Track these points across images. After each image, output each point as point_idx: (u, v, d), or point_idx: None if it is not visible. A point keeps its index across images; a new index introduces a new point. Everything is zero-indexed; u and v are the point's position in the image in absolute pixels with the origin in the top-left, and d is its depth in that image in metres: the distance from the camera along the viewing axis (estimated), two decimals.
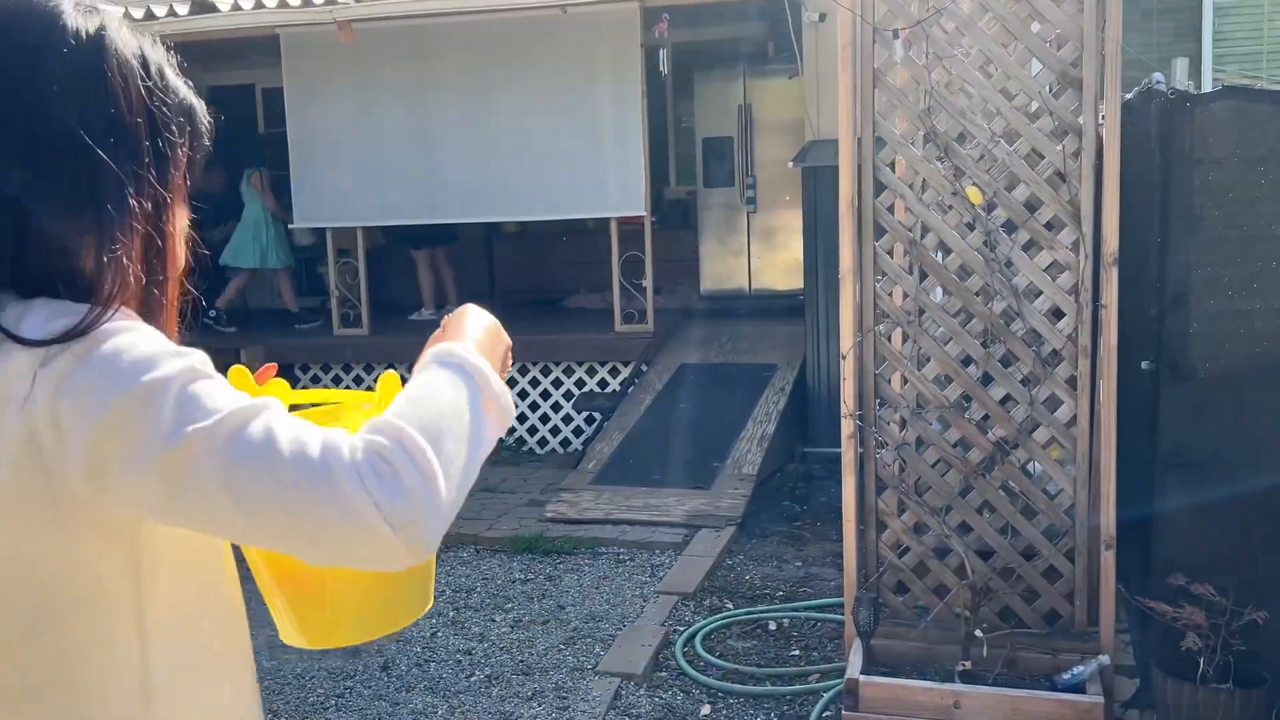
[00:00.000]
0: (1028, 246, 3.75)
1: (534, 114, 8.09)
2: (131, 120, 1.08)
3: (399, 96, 8.23)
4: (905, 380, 3.91)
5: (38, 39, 1.05)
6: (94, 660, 1.04)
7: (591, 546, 5.57)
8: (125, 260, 1.06)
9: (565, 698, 4.01)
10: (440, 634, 4.62)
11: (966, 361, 3.83)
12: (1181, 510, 3.65)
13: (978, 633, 3.66)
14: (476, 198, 8.31)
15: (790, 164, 7.66)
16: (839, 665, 4.03)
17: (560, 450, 8.03)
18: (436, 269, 9.28)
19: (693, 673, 4.18)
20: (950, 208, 3.79)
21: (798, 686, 4.07)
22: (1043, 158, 3.68)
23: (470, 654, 4.41)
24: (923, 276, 3.85)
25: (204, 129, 1.16)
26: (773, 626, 4.63)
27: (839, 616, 4.27)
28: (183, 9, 7.77)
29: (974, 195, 3.71)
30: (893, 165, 3.90)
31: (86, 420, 0.96)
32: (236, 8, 7.71)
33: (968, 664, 3.66)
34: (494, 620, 4.75)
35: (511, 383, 8.17)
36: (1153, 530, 3.71)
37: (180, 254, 1.16)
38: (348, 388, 8.38)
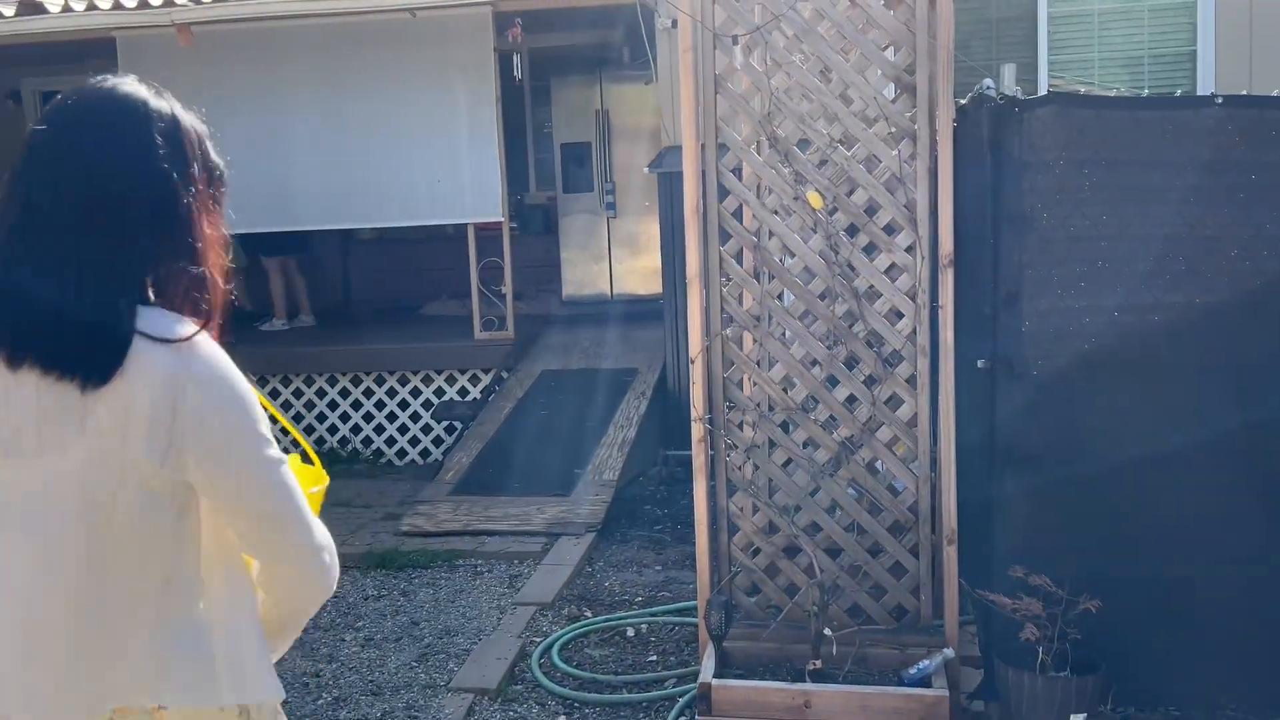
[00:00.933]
0: (868, 249, 3.81)
1: (387, 118, 7.94)
2: (201, 173, 1.54)
3: (245, 101, 7.98)
4: (754, 383, 3.93)
5: (140, 117, 1.50)
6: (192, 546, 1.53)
7: (449, 559, 5.47)
8: (217, 277, 1.54)
9: (416, 717, 3.91)
10: (287, 656, 4.45)
11: (812, 363, 3.87)
12: (1019, 504, 3.75)
13: (827, 631, 3.70)
14: (329, 204, 8.12)
15: (646, 169, 7.67)
16: (695, 669, 4.02)
17: (420, 461, 7.89)
18: (288, 277, 9.04)
19: (548, 684, 4.13)
20: (793, 212, 3.83)
21: (654, 693, 4.06)
22: (880, 162, 3.74)
23: (318, 676, 4.27)
24: (769, 280, 3.88)
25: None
26: (631, 633, 4.62)
27: (695, 620, 4.27)
28: (9, 10, 7.39)
29: (815, 200, 3.75)
30: (738, 171, 3.92)
31: (209, 406, 1.44)
32: (67, 9, 7.38)
33: (818, 663, 3.70)
34: (344, 640, 4.62)
35: (369, 393, 8.00)
36: (993, 524, 3.81)
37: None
38: None
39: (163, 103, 1.55)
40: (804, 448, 3.91)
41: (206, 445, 1.45)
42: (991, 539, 3.81)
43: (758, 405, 3.91)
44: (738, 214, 3.93)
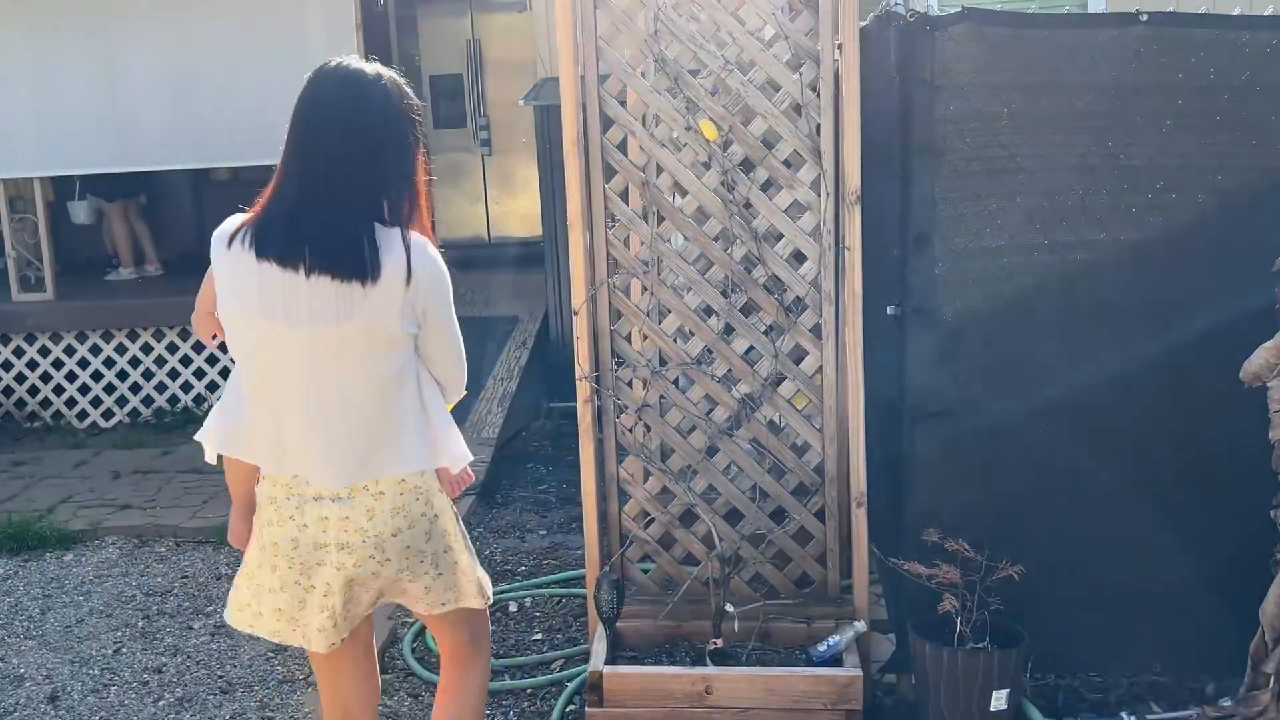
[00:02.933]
0: (766, 186, 3.44)
1: (236, 48, 7.24)
2: (416, 125, 2.25)
3: (79, 27, 7.20)
4: (645, 336, 3.54)
5: (377, 82, 2.20)
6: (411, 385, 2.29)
7: None
8: (424, 200, 2.26)
9: (270, 717, 3.47)
10: (125, 649, 3.97)
11: (708, 313, 3.50)
12: (934, 461, 3.46)
13: (728, 607, 3.37)
14: (174, 142, 7.39)
15: (521, 103, 7.17)
16: (585, 649, 3.66)
17: None
18: (131, 222, 8.31)
19: (422, 671, 3.72)
20: (685, 145, 3.43)
21: (540, 678, 3.69)
22: (780, 88, 3.36)
23: (160, 672, 3.79)
24: (659, 222, 3.48)
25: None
26: (514, 608, 4.24)
27: (584, 592, 3.90)
28: None
29: (708, 130, 3.35)
30: (624, 99, 3.49)
31: (434, 291, 2.21)
32: None
33: (719, 642, 3.37)
34: (192, 628, 4.13)
35: (224, 345, 7.37)
36: (906, 484, 3.51)
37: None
38: (32, 361, 7.37)
39: (387, 71, 2.25)
40: (700, 406, 3.55)
41: (430, 314, 2.22)
42: (905, 500, 3.51)
43: (649, 360, 3.53)
44: (623, 147, 3.52)
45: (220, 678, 3.74)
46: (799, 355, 3.51)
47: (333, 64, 2.20)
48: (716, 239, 3.44)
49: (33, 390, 7.43)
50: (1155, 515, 3.38)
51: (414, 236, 2.17)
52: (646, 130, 3.44)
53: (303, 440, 2.22)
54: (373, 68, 2.21)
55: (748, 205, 3.42)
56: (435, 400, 2.32)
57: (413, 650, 3.88)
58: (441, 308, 2.23)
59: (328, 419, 2.20)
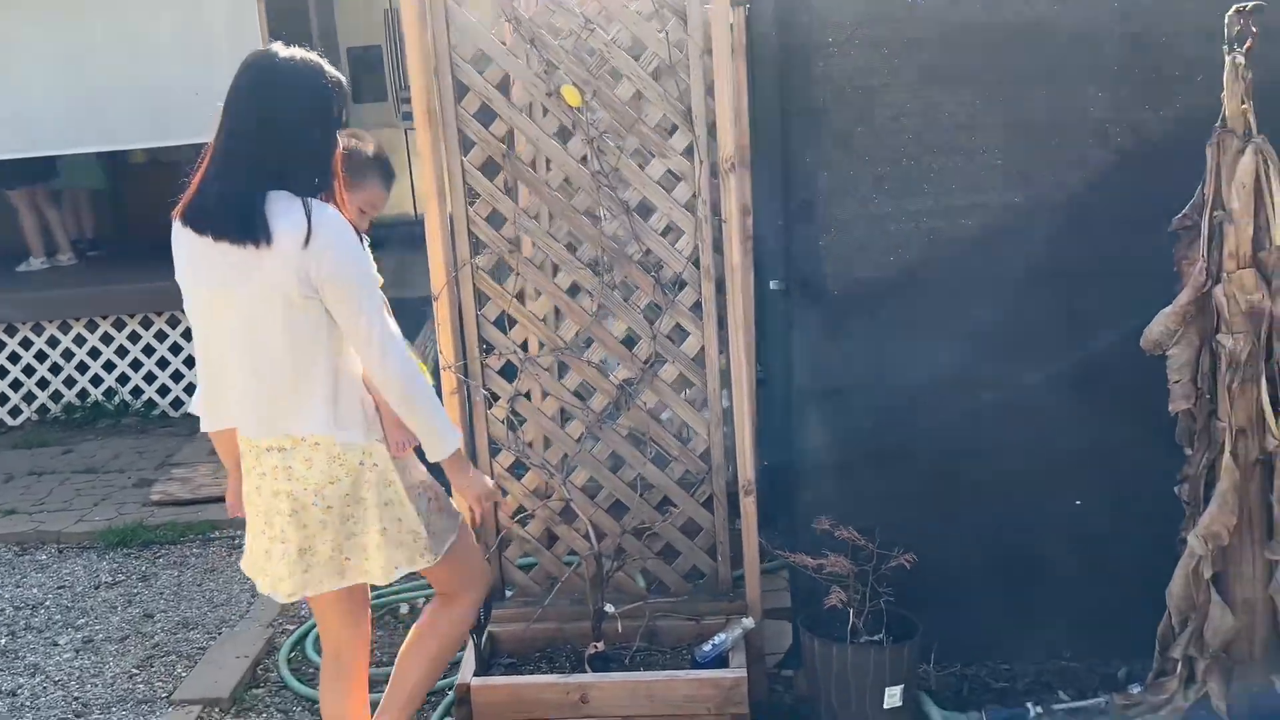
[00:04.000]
0: (636, 155, 3.19)
1: (135, 23, 6.90)
2: (327, 101, 2.42)
3: None
4: (513, 321, 3.30)
5: (285, 63, 2.40)
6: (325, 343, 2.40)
7: (203, 531, 4.75)
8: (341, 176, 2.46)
9: None
10: None
11: (579, 294, 3.26)
12: (824, 445, 3.25)
13: (608, 607, 3.16)
14: (72, 125, 7.04)
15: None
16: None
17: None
18: (39, 211, 7.97)
19: (296, 685, 3.49)
20: (547, 111, 3.18)
21: None
22: (646, 47, 3.11)
23: (15, 695, 3.55)
24: (524, 195, 3.24)
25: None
26: (405, 610, 4.01)
27: None
28: None
29: (571, 96, 3.10)
30: (480, 64, 3.23)
31: (331, 252, 2.32)
32: None
33: (600, 645, 3.15)
34: (57, 644, 3.89)
35: (135, 337, 7.09)
36: (796, 470, 3.30)
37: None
38: None
39: (302, 54, 2.44)
40: (574, 395, 3.32)
41: (328, 281, 2.33)
42: (795, 487, 3.30)
43: (521, 346, 3.29)
44: (483, 117, 3.26)
45: (76, 699, 3.49)
46: (681, 337, 3.28)
47: (260, 49, 2.44)
48: (585, 214, 3.19)
49: None
50: (1060, 496, 3.18)
51: (317, 204, 2.31)
52: (504, 97, 3.18)
53: (232, 395, 2.46)
54: (288, 50, 2.41)
55: (617, 175, 3.17)
56: (349, 372, 2.44)
57: (289, 661, 3.64)
58: (341, 278, 2.33)
59: (245, 375, 2.41)
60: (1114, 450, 3.12)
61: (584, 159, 3.15)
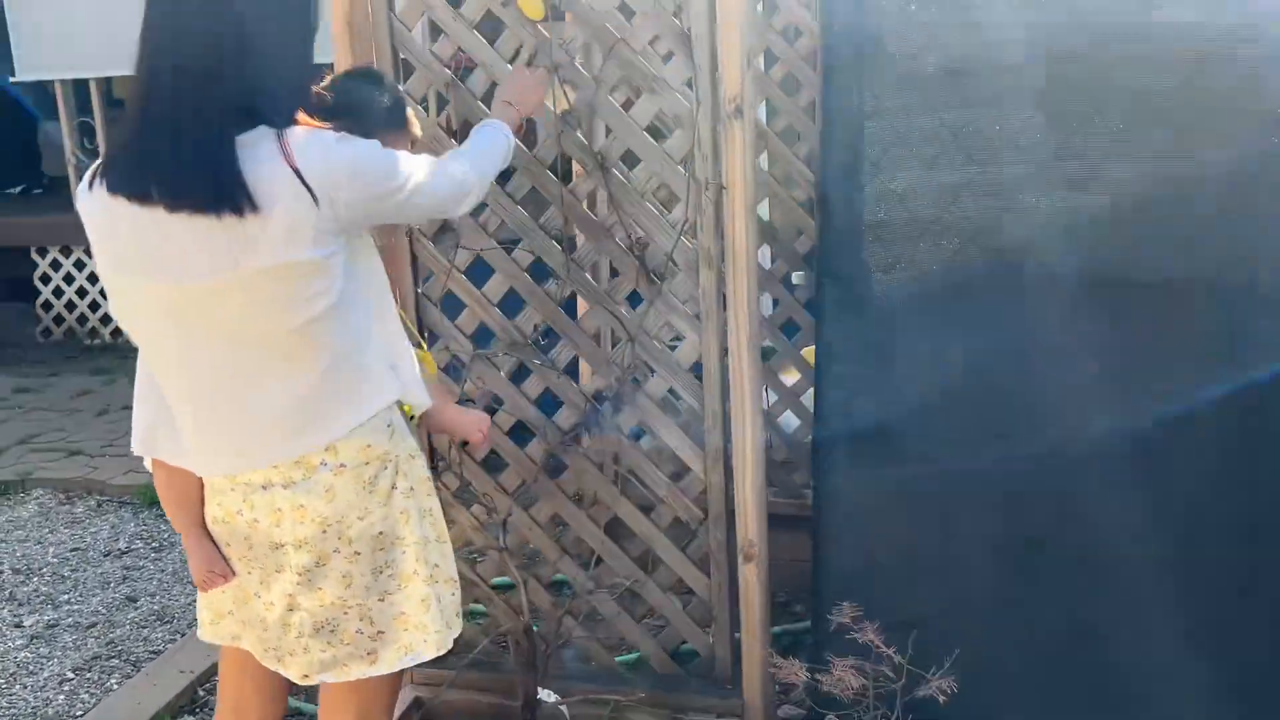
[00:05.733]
0: (619, 89, 2.35)
1: None
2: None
3: None
4: (463, 304, 2.54)
5: None
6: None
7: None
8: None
9: None
10: None
11: (545, 276, 2.46)
12: (857, 503, 2.35)
13: (544, 694, 2.40)
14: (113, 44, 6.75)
15: None
16: None
17: None
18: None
19: None
20: (504, 27, 2.38)
21: None
22: None
23: None
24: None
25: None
26: None
27: None
28: None
29: (530, 7, 2.28)
30: None
31: (353, 179, 1.67)
32: None
33: None
34: (20, 626, 3.46)
35: None
36: (819, 528, 2.41)
37: None
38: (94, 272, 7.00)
39: None
40: (535, 405, 2.54)
41: (369, 206, 1.70)
42: (817, 552, 2.41)
43: (466, 340, 2.53)
44: (428, 38, 2.50)
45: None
46: (676, 340, 2.45)
47: None
48: (551, 167, 2.39)
49: None
50: (1181, 591, 2.16)
51: (295, 135, 1.63)
52: (451, 8, 2.39)
53: (194, 422, 1.77)
54: None
55: (593, 117, 2.35)
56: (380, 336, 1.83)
57: None
58: (374, 192, 1.69)
59: (226, 389, 1.73)
60: (1260, 527, 2.07)
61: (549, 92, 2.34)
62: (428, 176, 1.75)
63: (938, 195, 2.18)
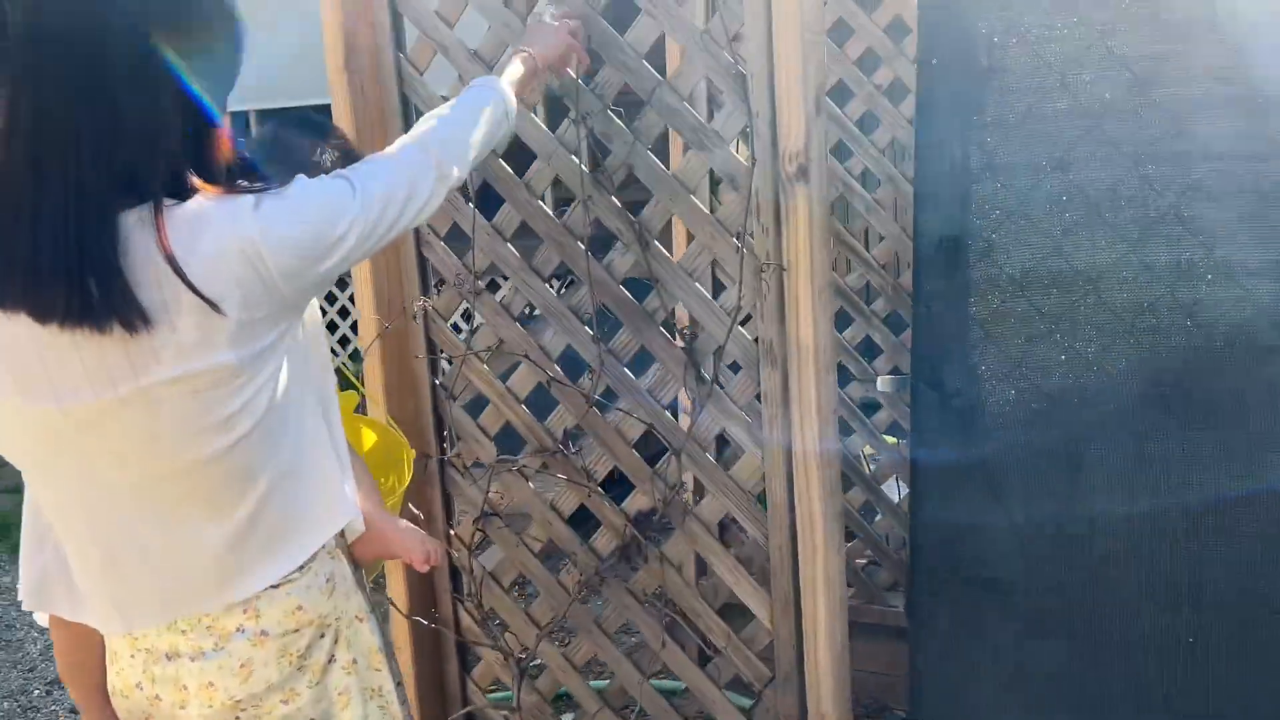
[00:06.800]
0: (659, 140, 1.88)
1: None
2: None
3: None
4: (474, 391, 2.11)
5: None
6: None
7: None
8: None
9: None
10: None
11: (578, 367, 2.01)
12: (966, 667, 1.80)
13: None
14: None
15: None
16: None
17: None
18: None
19: None
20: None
21: None
22: None
23: None
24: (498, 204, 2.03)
25: None
26: None
27: None
28: None
29: None
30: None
31: (282, 254, 1.25)
32: None
33: None
34: None
35: None
36: (915, 696, 1.87)
37: None
38: None
39: None
40: (569, 524, 2.08)
41: (305, 275, 1.26)
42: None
43: (488, 443, 2.09)
44: (437, 79, 2.08)
45: None
46: (732, 452, 1.95)
47: None
48: (580, 240, 1.93)
49: None
50: None
51: (179, 213, 1.18)
52: (462, 44, 1.97)
53: (94, 568, 1.38)
54: None
55: (630, 180, 1.89)
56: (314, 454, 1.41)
57: None
58: (309, 247, 1.25)
59: (125, 531, 1.34)
60: None
61: (563, 137, 1.89)
62: (380, 200, 1.33)
63: (1072, 282, 1.62)
